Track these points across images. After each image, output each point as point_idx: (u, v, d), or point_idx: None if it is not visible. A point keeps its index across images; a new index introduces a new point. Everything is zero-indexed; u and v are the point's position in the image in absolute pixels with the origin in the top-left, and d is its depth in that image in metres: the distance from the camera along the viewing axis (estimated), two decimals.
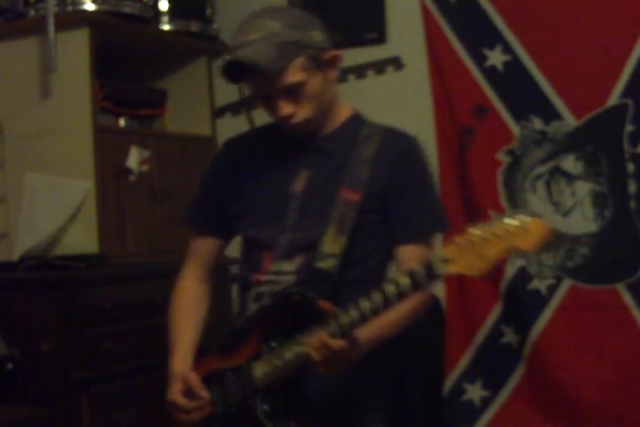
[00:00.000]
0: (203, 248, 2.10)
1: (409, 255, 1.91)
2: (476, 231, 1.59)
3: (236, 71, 1.86)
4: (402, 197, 1.92)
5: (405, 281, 1.67)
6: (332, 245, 1.86)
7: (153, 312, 2.85)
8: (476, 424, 3.07)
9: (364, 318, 1.71)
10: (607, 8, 2.89)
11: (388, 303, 1.69)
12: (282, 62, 1.83)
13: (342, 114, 2.00)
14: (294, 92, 1.87)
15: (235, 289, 3.39)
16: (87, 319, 2.69)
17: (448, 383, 3.09)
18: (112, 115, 3.16)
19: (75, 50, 2.94)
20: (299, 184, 1.95)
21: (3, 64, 3.07)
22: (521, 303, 3.03)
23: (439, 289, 3.15)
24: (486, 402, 3.07)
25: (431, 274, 1.65)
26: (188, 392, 1.93)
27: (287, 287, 1.90)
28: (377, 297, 1.69)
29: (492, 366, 3.07)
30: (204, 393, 1.91)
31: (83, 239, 2.94)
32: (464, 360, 3.10)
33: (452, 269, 1.62)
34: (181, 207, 3.22)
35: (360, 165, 1.91)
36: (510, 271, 3.03)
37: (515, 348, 3.04)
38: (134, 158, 3.07)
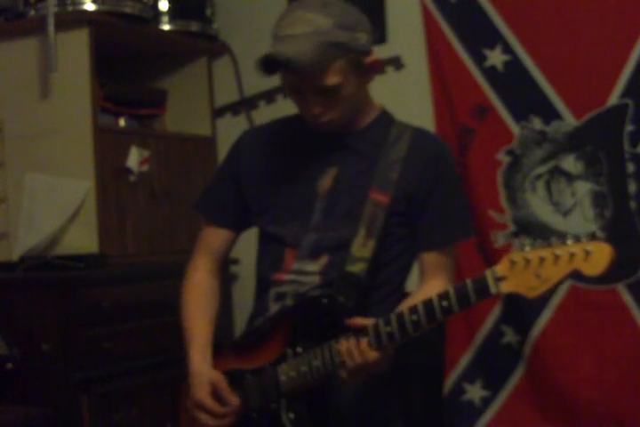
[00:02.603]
0: (214, 240, 2.01)
1: (432, 262, 1.87)
2: (533, 250, 1.51)
3: (272, 64, 1.76)
4: (430, 201, 1.86)
5: (453, 297, 1.59)
6: (361, 248, 1.80)
7: (153, 312, 2.87)
8: (475, 424, 3.07)
9: (404, 331, 1.64)
10: (607, 8, 2.89)
11: (431, 318, 1.61)
12: (322, 63, 1.75)
13: (372, 112, 1.94)
14: (328, 93, 1.80)
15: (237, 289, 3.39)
16: (87, 319, 2.69)
17: (448, 383, 3.09)
18: (112, 115, 3.16)
19: (75, 50, 2.94)
20: (325, 182, 1.89)
21: (3, 64, 3.06)
22: (521, 303, 3.02)
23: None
24: (486, 402, 3.06)
25: (483, 292, 1.57)
26: (215, 395, 1.84)
27: (313, 289, 1.83)
28: (421, 310, 1.62)
29: (492, 366, 3.07)
30: (235, 400, 1.82)
31: (83, 239, 2.94)
32: (464, 360, 3.09)
33: (505, 287, 1.54)
34: (181, 207, 3.23)
35: (390, 166, 1.84)
36: None
37: (515, 348, 3.03)
38: (134, 158, 3.07)
